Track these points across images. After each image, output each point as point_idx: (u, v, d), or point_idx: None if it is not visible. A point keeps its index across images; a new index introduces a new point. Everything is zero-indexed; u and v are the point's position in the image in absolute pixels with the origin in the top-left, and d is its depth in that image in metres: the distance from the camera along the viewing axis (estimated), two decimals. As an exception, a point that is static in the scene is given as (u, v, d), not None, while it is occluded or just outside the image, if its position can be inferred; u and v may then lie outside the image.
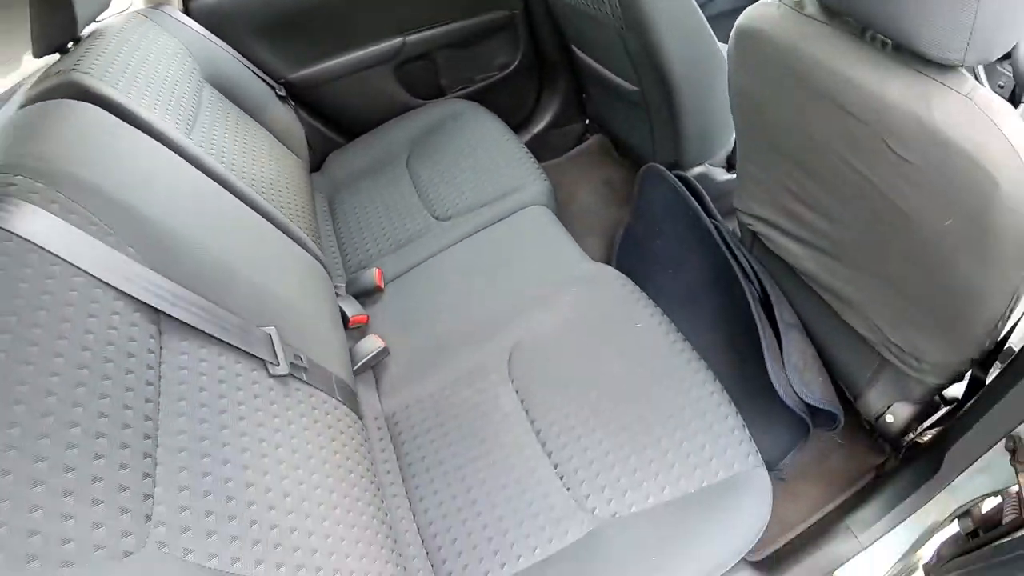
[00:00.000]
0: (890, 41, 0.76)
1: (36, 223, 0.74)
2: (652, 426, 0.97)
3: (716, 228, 1.27)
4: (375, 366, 1.23)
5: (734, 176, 1.56)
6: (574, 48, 1.72)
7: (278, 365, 0.91)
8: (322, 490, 0.84)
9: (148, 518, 0.63)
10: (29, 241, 0.72)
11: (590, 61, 1.65)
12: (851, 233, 0.97)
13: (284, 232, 1.26)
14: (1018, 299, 0.80)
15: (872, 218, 0.89)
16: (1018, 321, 0.91)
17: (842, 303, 1.07)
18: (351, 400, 1.07)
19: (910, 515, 1.05)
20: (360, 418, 1.08)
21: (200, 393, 0.79)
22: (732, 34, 0.99)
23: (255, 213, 1.21)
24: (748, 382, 1.16)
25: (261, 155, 1.41)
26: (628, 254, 1.33)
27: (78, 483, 0.59)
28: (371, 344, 1.20)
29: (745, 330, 1.17)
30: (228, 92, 1.46)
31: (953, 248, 0.77)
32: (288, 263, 1.20)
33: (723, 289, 1.26)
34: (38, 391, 0.63)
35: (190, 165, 1.11)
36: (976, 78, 1.01)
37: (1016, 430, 0.85)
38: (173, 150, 1.09)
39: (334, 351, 1.12)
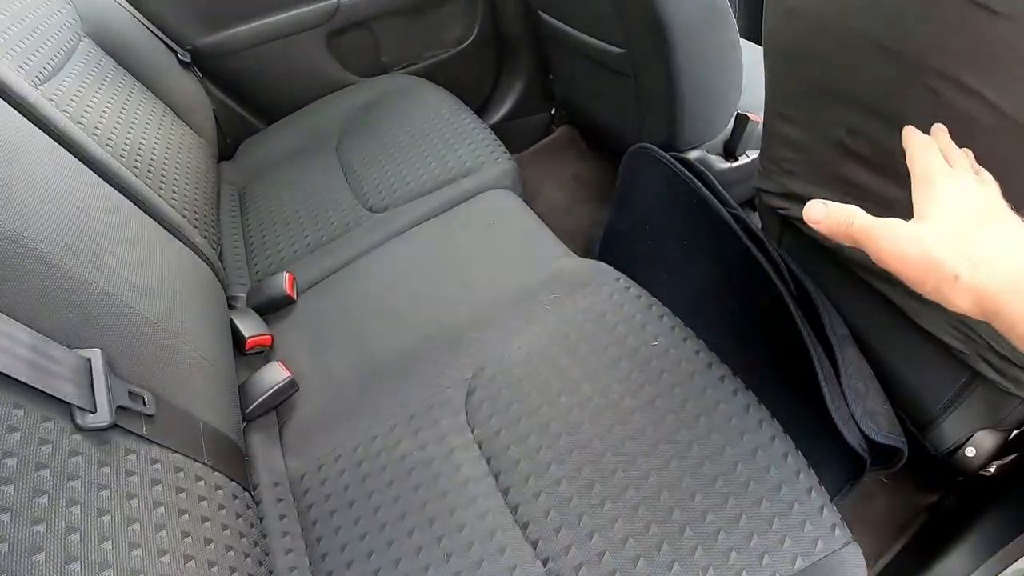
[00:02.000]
0: None
1: None
2: (692, 495, 0.65)
3: (735, 217, 0.98)
4: (279, 406, 0.89)
5: (735, 164, 1.31)
6: (542, 15, 1.45)
7: (94, 412, 0.57)
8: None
9: None
10: None
11: (562, 26, 1.37)
12: None
13: (159, 222, 0.95)
14: None
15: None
16: None
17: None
18: (231, 461, 0.72)
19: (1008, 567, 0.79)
20: (247, 487, 0.74)
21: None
22: None
23: (117, 193, 0.90)
24: (780, 412, 0.87)
25: (146, 129, 1.13)
26: (611, 257, 1.05)
27: None
28: (273, 375, 0.87)
29: (772, 345, 0.89)
30: (116, 52, 1.23)
31: None
32: (156, 262, 0.85)
33: (740, 295, 0.98)
34: None
35: (22, 116, 0.80)
36: None
37: None
38: None
39: (212, 388, 0.77)
